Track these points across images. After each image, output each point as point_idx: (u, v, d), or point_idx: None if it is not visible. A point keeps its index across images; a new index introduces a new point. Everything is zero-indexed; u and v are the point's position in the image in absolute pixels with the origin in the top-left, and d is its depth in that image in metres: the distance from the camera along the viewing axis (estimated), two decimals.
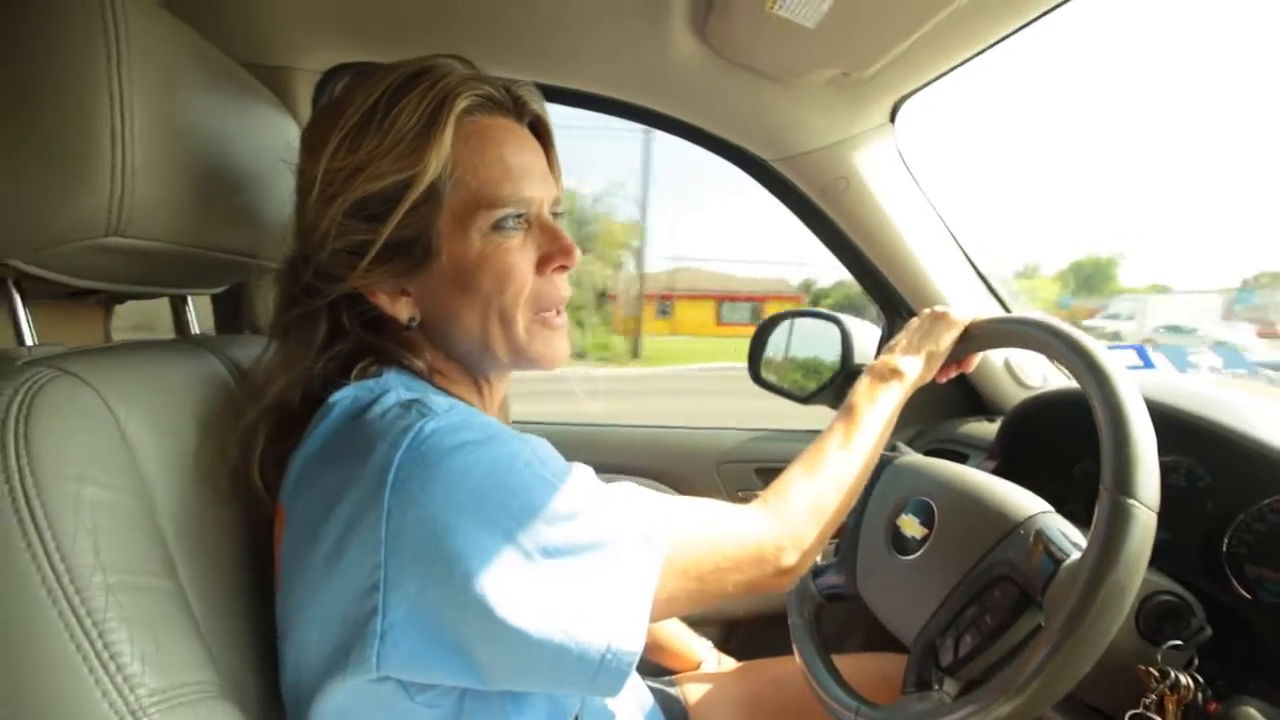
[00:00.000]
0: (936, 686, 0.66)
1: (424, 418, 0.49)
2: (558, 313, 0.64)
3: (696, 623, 1.33)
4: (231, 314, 0.95)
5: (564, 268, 0.62)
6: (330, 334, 0.60)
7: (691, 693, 0.97)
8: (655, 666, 1.05)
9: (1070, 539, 0.65)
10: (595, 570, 0.50)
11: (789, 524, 0.62)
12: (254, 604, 0.62)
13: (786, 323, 1.47)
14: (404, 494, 0.46)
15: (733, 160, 1.18)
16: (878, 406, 0.72)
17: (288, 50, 0.96)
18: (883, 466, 0.87)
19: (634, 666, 0.50)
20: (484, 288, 0.58)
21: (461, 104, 0.56)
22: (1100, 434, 0.59)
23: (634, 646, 0.50)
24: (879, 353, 1.33)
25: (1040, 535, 0.65)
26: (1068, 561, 0.61)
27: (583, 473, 0.54)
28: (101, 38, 0.48)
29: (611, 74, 1.06)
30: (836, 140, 1.07)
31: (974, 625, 0.66)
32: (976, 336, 0.78)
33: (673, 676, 1.02)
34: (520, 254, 0.59)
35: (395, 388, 0.55)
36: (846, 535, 0.86)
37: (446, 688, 0.52)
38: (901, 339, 0.79)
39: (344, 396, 0.55)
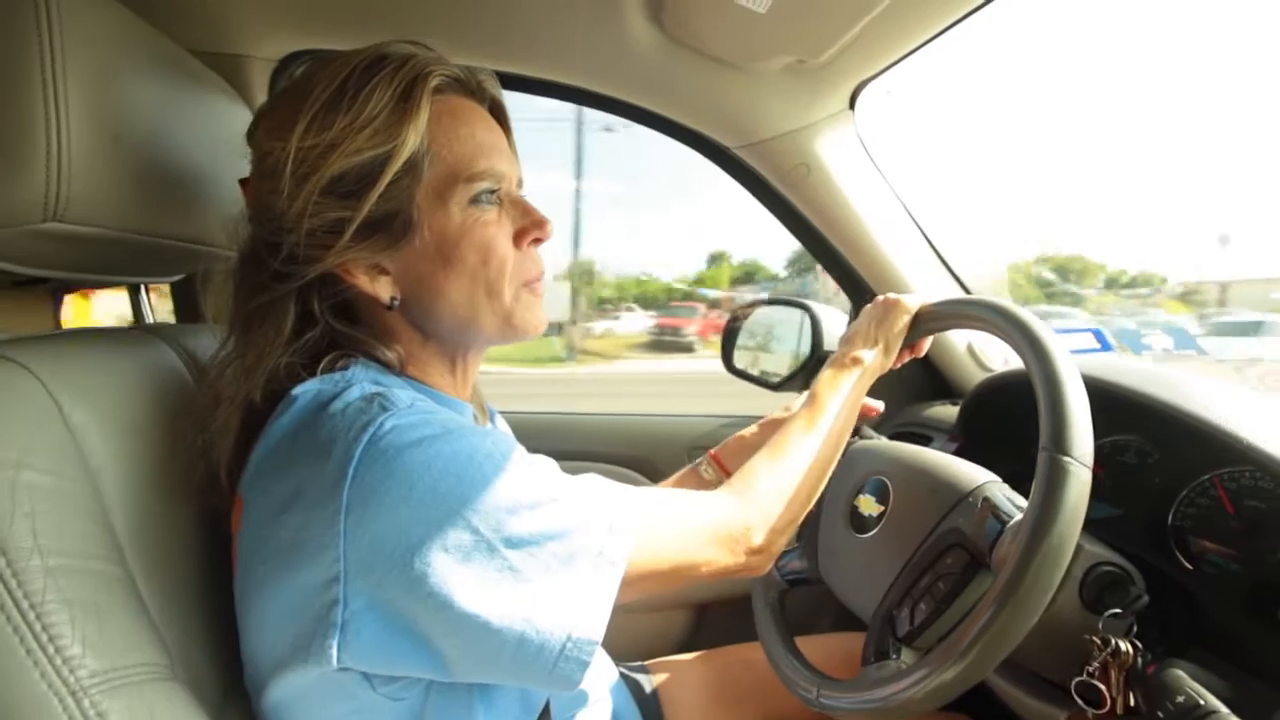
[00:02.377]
0: (894, 656, 0.67)
1: (385, 412, 0.50)
2: (540, 284, 0.65)
3: (667, 607, 1.34)
4: (189, 303, 0.95)
5: (539, 240, 0.64)
6: (299, 322, 0.59)
7: (661, 677, 0.98)
8: (625, 650, 1.06)
9: (1015, 503, 0.67)
10: (558, 559, 0.50)
11: (755, 505, 0.63)
12: (211, 590, 0.62)
13: (757, 311, 1.48)
14: (363, 488, 0.47)
15: (695, 147, 1.18)
16: (839, 391, 0.74)
17: (241, 38, 0.96)
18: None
19: (593, 657, 0.51)
20: (468, 260, 0.59)
21: (433, 82, 0.57)
22: (1038, 399, 0.61)
23: (594, 635, 0.50)
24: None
25: (987, 502, 0.67)
26: (1012, 522, 0.64)
27: (545, 465, 0.55)
28: (33, 22, 0.48)
29: (571, 61, 1.06)
30: (796, 127, 1.08)
31: (928, 593, 0.68)
32: (925, 320, 0.80)
33: (643, 662, 1.02)
34: (498, 228, 0.60)
35: (359, 381, 0.55)
36: (808, 520, 0.88)
37: (410, 680, 0.53)
38: (859, 327, 0.81)
39: (307, 390, 0.55)
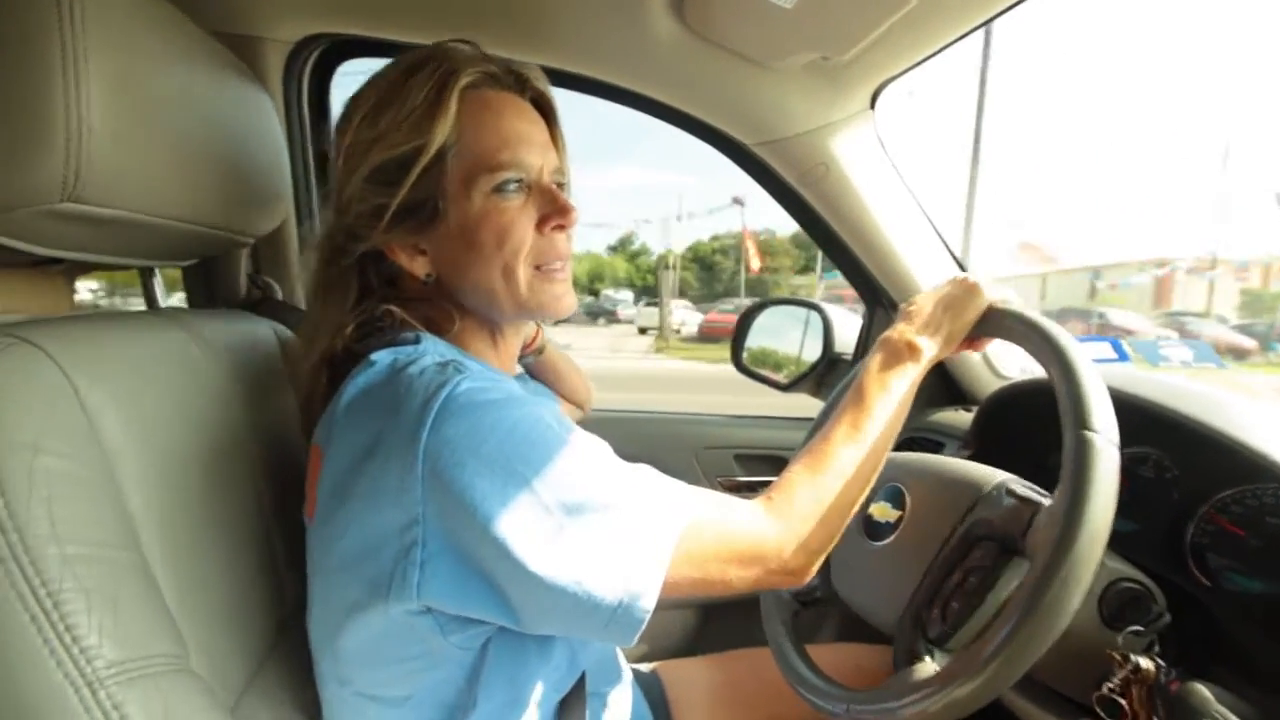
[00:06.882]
0: (926, 658, 0.66)
1: (460, 374, 0.54)
2: (560, 268, 0.67)
3: (672, 607, 1.34)
4: (201, 288, 0.94)
5: (561, 226, 0.66)
6: (360, 293, 0.66)
7: (669, 678, 0.98)
8: (634, 650, 1.05)
9: (1040, 492, 0.66)
10: (612, 529, 0.53)
11: (791, 524, 0.60)
12: (232, 577, 0.62)
13: (770, 310, 1.47)
14: (438, 439, 0.51)
15: (713, 144, 1.17)
16: (890, 391, 0.68)
17: (258, 20, 0.94)
18: None
19: (646, 620, 0.53)
20: (486, 244, 0.63)
21: (464, 80, 0.62)
22: (1057, 393, 0.61)
23: (646, 604, 0.53)
24: (857, 341, 1.34)
25: (1012, 493, 0.66)
26: (1045, 505, 0.62)
27: (603, 445, 0.58)
28: (54, 1, 0.47)
29: (591, 54, 1.05)
30: (816, 126, 1.07)
31: (958, 590, 0.66)
32: (996, 319, 0.72)
33: (650, 663, 1.02)
34: (520, 214, 0.64)
35: (431, 352, 0.60)
36: None
37: (476, 632, 0.57)
38: (925, 307, 0.73)
39: (383, 355, 0.59)
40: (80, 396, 0.50)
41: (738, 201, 24.75)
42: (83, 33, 0.48)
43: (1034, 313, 0.68)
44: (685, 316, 23.79)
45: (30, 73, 0.47)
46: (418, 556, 0.51)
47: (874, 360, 0.70)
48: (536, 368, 1.02)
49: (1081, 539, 0.54)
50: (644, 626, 0.53)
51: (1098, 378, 0.60)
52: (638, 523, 0.54)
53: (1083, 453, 0.56)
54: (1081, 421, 0.57)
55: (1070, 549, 0.54)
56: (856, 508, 0.65)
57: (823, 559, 0.62)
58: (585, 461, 0.54)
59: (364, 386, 0.57)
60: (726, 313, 22.40)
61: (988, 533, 0.66)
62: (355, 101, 0.64)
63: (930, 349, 0.70)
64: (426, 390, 0.53)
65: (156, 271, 0.81)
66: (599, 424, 1.41)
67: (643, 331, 22.98)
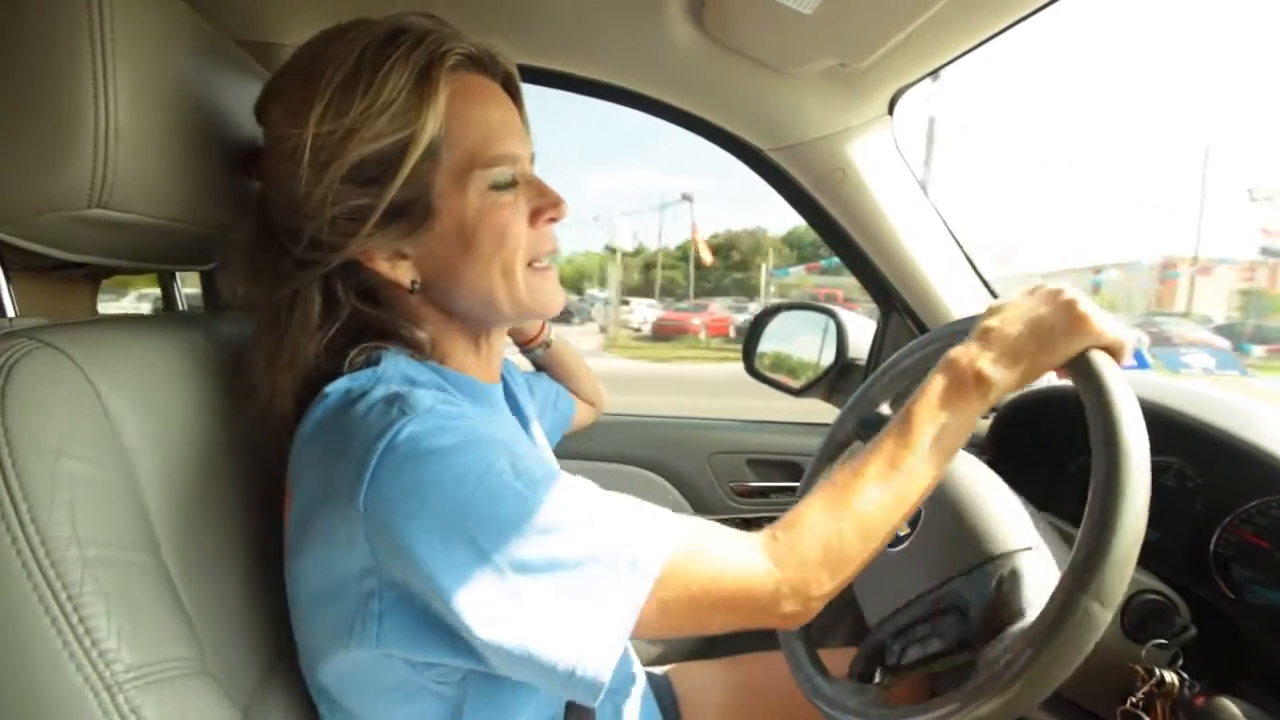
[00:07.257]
0: (876, 681, 0.66)
1: (404, 416, 0.49)
2: (550, 264, 0.64)
3: None
4: (219, 290, 0.94)
5: (554, 219, 0.63)
6: (325, 309, 0.58)
7: (681, 681, 0.97)
8: (640, 652, 1.05)
9: (1032, 595, 0.61)
10: (571, 589, 0.48)
11: (795, 568, 0.52)
12: (245, 579, 0.62)
13: (782, 315, 1.47)
14: (378, 495, 0.47)
15: (728, 149, 1.17)
16: (943, 427, 0.56)
17: (280, 27, 0.95)
18: None
19: (603, 689, 0.48)
20: (485, 245, 0.58)
21: (450, 61, 0.56)
22: (1085, 514, 0.53)
23: (601, 674, 0.47)
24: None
25: (1003, 582, 0.62)
26: (1013, 628, 0.58)
27: (570, 485, 0.52)
28: (85, 7, 0.47)
29: (606, 59, 1.05)
30: (833, 131, 1.07)
31: (920, 642, 0.65)
32: (1077, 368, 0.58)
33: (663, 667, 1.02)
34: (514, 210, 0.60)
35: (387, 379, 0.54)
36: None
37: (449, 669, 0.53)
38: (1008, 330, 0.59)
39: (337, 387, 0.54)
40: (103, 400, 0.50)
41: (686, 198, 25.23)
42: (111, 40, 0.48)
43: (1128, 400, 0.55)
44: (647, 315, 23.66)
45: (60, 80, 0.47)
46: (375, 608, 0.48)
47: (931, 385, 0.58)
48: (547, 363, 1.01)
49: (1019, 689, 0.50)
50: (604, 690, 0.48)
51: (1137, 532, 0.51)
52: (599, 581, 0.48)
53: (1067, 615, 0.49)
54: (1085, 583, 0.49)
55: (1003, 695, 0.50)
56: (874, 555, 0.56)
57: (820, 606, 0.55)
58: (543, 513, 0.48)
59: (318, 421, 0.53)
60: (681, 311, 23.13)
61: (963, 608, 0.63)
62: (306, 84, 0.54)
63: (1002, 384, 0.57)
64: (369, 435, 0.48)
65: (176, 274, 0.82)
66: (609, 427, 1.42)
67: (604, 330, 22.98)
